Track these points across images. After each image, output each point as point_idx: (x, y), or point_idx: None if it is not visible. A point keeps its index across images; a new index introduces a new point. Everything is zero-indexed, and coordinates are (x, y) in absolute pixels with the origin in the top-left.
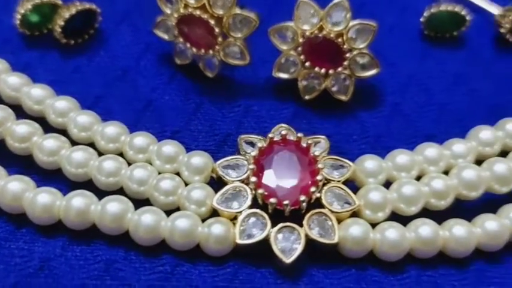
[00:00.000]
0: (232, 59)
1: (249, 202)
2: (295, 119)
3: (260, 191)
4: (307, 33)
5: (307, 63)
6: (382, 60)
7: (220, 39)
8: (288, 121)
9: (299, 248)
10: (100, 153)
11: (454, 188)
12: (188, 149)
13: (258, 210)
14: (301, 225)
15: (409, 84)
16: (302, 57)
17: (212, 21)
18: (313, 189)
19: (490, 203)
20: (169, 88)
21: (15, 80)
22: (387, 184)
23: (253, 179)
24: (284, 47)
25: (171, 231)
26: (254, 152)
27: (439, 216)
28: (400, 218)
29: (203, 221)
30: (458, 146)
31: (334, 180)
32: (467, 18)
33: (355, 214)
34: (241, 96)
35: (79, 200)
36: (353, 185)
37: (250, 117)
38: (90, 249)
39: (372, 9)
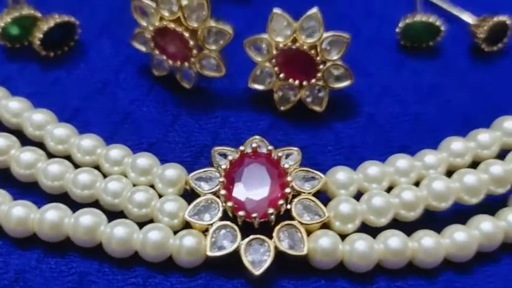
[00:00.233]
0: (208, 71)
1: (220, 214)
2: (272, 130)
3: (230, 203)
4: (281, 45)
5: (281, 75)
6: (359, 70)
7: (195, 51)
8: (265, 132)
9: (268, 260)
10: (77, 166)
11: (423, 199)
12: (165, 161)
13: (228, 223)
14: (271, 237)
15: (385, 95)
16: (276, 68)
17: (187, 34)
18: (281, 202)
19: (461, 213)
20: (148, 100)
21: None
22: (359, 195)
23: (222, 192)
24: (259, 59)
25: (143, 244)
26: (225, 165)
27: (410, 227)
28: (371, 229)
29: (176, 232)
30: (429, 157)
31: (304, 192)
32: (442, 28)
33: (325, 226)
34: (219, 107)
35: (53, 213)
36: (326, 196)
37: (227, 129)
38: (65, 261)
39: (352, 20)
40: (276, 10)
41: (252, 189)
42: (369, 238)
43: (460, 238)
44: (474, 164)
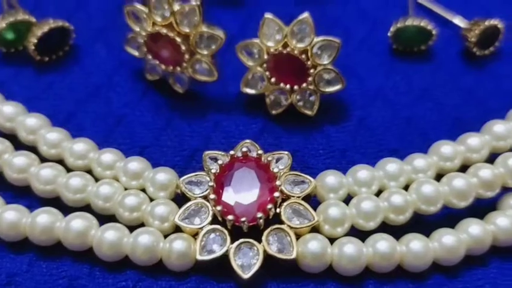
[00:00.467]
0: (201, 76)
1: (210, 218)
2: (263, 134)
3: (219, 208)
4: (272, 50)
5: (272, 79)
6: (351, 74)
7: (187, 56)
8: (256, 136)
9: (257, 263)
10: (69, 170)
11: (412, 203)
12: (157, 165)
13: (218, 226)
14: (260, 241)
15: (376, 99)
16: (267, 73)
17: (179, 39)
18: (270, 206)
19: (450, 217)
20: (141, 104)
21: None
22: (349, 199)
23: (212, 196)
24: (250, 63)
25: (133, 248)
26: (215, 169)
27: (399, 230)
28: (361, 233)
29: (167, 236)
30: (419, 160)
31: (294, 196)
32: (433, 32)
33: (314, 229)
34: (211, 111)
35: (44, 217)
36: (316, 200)
37: (219, 133)
38: (56, 264)
39: (345, 24)
40: (268, 15)
41: (241, 194)
42: (358, 242)
43: (448, 242)
44: (464, 168)
